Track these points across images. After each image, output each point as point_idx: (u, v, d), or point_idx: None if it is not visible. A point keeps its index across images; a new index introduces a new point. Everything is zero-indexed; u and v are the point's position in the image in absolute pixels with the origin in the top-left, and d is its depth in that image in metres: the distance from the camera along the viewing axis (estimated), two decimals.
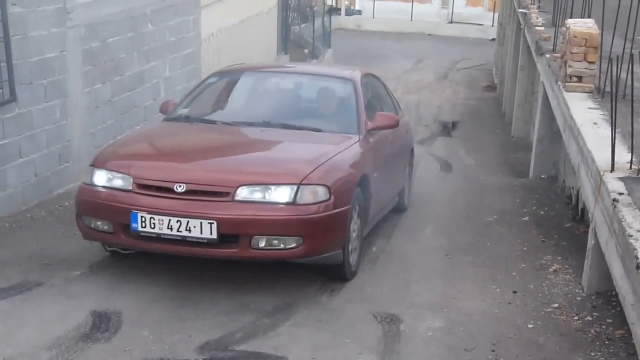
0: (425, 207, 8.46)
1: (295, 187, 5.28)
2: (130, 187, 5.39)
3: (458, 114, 16.45)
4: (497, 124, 15.45)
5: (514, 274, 6.28)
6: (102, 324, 4.89)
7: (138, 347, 4.60)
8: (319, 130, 6.39)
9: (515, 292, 5.85)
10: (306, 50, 21.01)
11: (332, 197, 5.40)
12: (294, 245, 5.25)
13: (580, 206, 7.73)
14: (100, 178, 5.53)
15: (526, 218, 8.05)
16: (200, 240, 5.18)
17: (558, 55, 8.63)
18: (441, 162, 11.35)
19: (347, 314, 5.27)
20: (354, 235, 5.85)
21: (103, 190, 5.48)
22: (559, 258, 6.63)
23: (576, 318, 5.33)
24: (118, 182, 5.46)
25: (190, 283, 5.59)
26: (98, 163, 5.66)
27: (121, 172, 5.48)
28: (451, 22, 35.67)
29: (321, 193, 5.36)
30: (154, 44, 9.85)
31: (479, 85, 20.66)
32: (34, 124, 7.37)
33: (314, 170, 5.46)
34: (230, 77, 7.46)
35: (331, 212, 5.39)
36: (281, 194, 5.27)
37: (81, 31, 8.05)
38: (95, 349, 4.56)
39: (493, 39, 26.77)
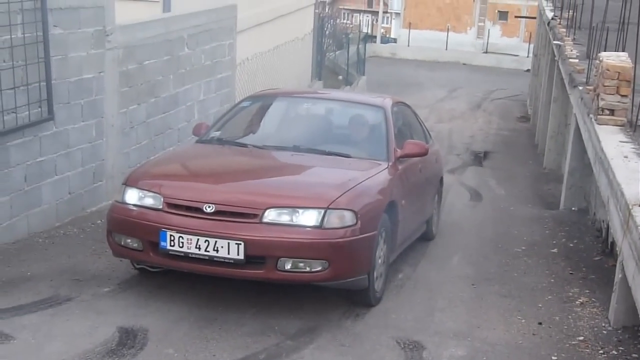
0: (453, 236, 8.47)
1: (322, 211, 5.35)
2: (161, 206, 5.49)
3: (490, 143, 16.44)
4: (530, 155, 15.41)
5: (540, 305, 6.26)
6: (128, 340, 4.97)
7: None
8: (348, 156, 6.45)
9: (540, 323, 5.83)
10: (340, 77, 21.18)
11: (359, 222, 5.45)
12: (319, 268, 5.30)
13: (610, 239, 7.68)
14: (132, 196, 5.65)
15: (555, 250, 8.02)
16: (227, 261, 5.26)
17: (591, 87, 8.63)
18: (471, 192, 11.35)
19: (370, 339, 5.30)
20: (379, 261, 5.89)
21: (134, 208, 5.60)
22: (587, 291, 6.59)
23: (601, 352, 5.30)
24: (149, 201, 5.57)
25: (216, 303, 5.67)
26: (130, 182, 5.79)
27: (152, 191, 5.59)
28: (486, 52, 35.73)
29: (348, 218, 5.42)
30: (190, 67, 10.04)
31: (513, 116, 20.63)
32: (70, 142, 7.55)
33: (341, 195, 5.53)
34: (262, 102, 7.59)
35: (357, 237, 5.44)
36: (308, 218, 5.34)
37: (119, 53, 8.26)
38: None
39: (528, 70, 26.75)
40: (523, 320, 5.88)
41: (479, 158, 14.74)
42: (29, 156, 6.96)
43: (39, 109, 7.00)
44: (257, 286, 5.78)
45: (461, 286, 6.67)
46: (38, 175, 7.12)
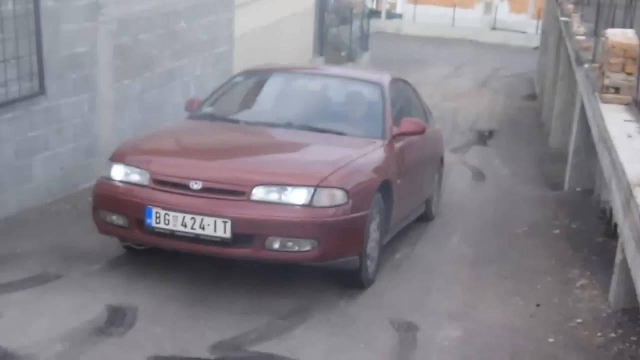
0: (453, 216, 8.46)
1: (312, 189, 5.31)
2: (147, 183, 5.47)
3: (496, 122, 16.37)
4: (536, 134, 15.35)
5: (539, 286, 6.26)
6: (117, 319, 4.98)
7: (151, 343, 4.68)
8: (342, 134, 6.42)
9: (538, 305, 5.84)
10: (343, 53, 21.05)
11: (350, 201, 5.42)
12: (308, 248, 5.27)
13: (613, 221, 7.66)
14: (118, 172, 5.63)
15: (557, 231, 8.01)
16: (213, 239, 5.23)
17: (597, 65, 8.57)
18: (474, 171, 11.32)
19: (363, 320, 5.31)
20: (372, 242, 5.87)
21: (120, 184, 5.58)
22: (588, 273, 6.59)
23: (599, 334, 5.30)
24: (135, 177, 5.55)
25: (207, 282, 5.67)
26: (116, 157, 5.76)
27: (139, 167, 5.56)
28: (494, 28, 35.52)
29: (339, 196, 5.39)
30: (186, 41, 9.99)
31: (519, 94, 20.52)
32: (62, 117, 7.52)
33: (332, 173, 5.49)
34: (256, 77, 7.55)
35: (348, 216, 5.40)
36: (297, 196, 5.30)
37: (113, 26, 8.21)
38: (108, 343, 4.66)
39: (536, 47, 26.57)
40: (521, 302, 5.89)
41: (484, 137, 14.68)
42: (19, 131, 6.94)
43: (30, 83, 6.97)
44: (249, 265, 5.75)
45: (459, 267, 6.68)
46: (29, 151, 7.10)
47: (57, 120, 7.45)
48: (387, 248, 6.73)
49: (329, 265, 5.51)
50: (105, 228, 5.71)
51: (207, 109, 6.85)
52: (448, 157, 10.03)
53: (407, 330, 5.19)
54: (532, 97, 20.06)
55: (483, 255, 7.04)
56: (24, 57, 6.82)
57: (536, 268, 6.75)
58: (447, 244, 7.38)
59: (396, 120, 6.72)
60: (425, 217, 7.95)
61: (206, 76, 10.73)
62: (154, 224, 5.31)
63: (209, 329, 4.94)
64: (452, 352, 4.91)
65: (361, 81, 7.32)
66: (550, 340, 5.21)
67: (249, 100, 7.27)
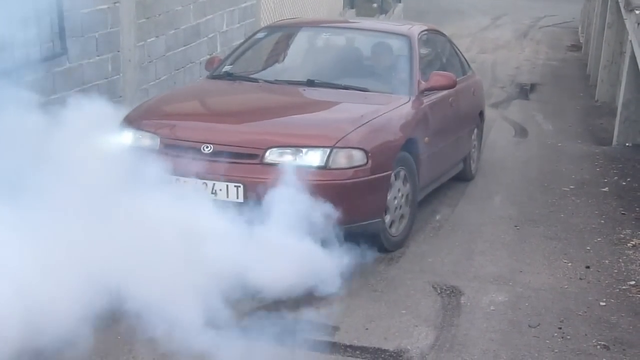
0: (495, 175, 8.40)
1: (327, 150, 5.25)
2: (157, 147, 5.46)
3: (538, 75, 16.15)
4: (581, 87, 15.12)
5: (588, 248, 6.21)
6: None
7: None
8: (365, 90, 6.34)
9: (588, 267, 5.80)
10: (375, 5, 20.83)
11: (370, 161, 5.35)
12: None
13: None
14: (128, 137, 5.61)
15: (606, 189, 7.93)
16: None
17: None
18: (516, 127, 11.20)
19: (405, 285, 5.32)
20: (395, 202, 5.78)
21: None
22: None
23: None
24: (146, 142, 5.53)
25: None
26: (127, 121, 5.75)
27: (149, 132, 5.56)
28: None
29: (357, 157, 5.32)
30: None
31: (563, 45, 20.20)
32: (84, 78, 7.53)
33: (350, 133, 5.42)
34: (279, 32, 7.50)
35: (368, 177, 5.34)
36: (313, 157, 5.25)
37: None
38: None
39: None
40: (569, 264, 5.86)
41: (525, 91, 14.49)
42: (42, 93, 6.96)
43: (51, 43, 6.98)
44: None
45: (503, 228, 6.64)
46: None
47: (80, 82, 7.45)
48: (426, 209, 6.72)
49: (349, 230, 5.39)
50: None
51: (227, 68, 6.81)
52: (488, 113, 9.93)
53: (450, 295, 5.19)
54: (577, 47, 19.75)
55: (528, 216, 7.00)
56: (43, 16, 6.81)
57: (585, 228, 6.70)
58: (489, 204, 7.34)
59: (425, 74, 6.60)
60: (464, 176, 7.89)
61: (232, 32, 10.70)
62: None
63: (243, 296, 4.96)
64: (498, 318, 4.91)
65: (388, 34, 7.19)
66: (602, 303, 5.18)
67: (271, 57, 7.21)
